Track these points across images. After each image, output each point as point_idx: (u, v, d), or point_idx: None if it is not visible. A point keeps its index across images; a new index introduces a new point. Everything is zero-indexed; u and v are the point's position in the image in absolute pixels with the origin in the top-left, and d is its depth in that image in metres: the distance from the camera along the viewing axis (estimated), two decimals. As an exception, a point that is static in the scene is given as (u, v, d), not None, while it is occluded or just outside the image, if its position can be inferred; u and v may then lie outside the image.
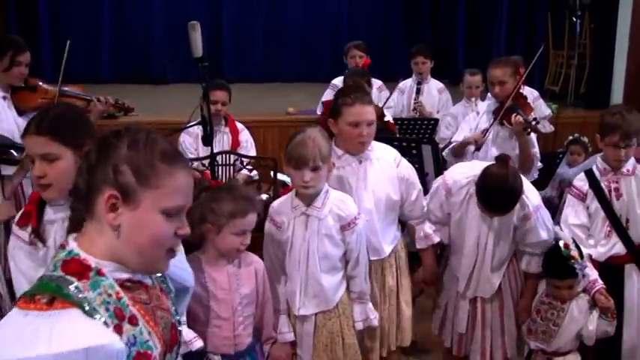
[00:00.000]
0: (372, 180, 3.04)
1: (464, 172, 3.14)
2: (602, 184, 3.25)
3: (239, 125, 4.68)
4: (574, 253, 3.07)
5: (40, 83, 4.11)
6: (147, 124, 5.20)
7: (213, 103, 4.16)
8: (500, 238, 3.10)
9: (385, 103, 4.89)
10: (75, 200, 1.41)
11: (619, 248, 3.24)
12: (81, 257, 1.32)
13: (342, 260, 2.88)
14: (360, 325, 2.95)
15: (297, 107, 6.20)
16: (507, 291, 3.22)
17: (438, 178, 3.32)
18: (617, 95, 6.54)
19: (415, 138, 4.25)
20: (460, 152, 4.33)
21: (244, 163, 4.18)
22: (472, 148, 4.32)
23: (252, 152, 4.60)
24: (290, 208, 2.82)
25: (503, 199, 2.92)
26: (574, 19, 7.07)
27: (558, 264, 3.07)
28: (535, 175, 4.20)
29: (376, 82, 5.44)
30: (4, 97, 3.90)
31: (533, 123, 3.93)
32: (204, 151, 4.17)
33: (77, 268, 1.30)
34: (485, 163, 3.06)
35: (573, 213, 3.30)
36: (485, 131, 4.17)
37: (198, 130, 4.33)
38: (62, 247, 1.36)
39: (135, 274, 1.38)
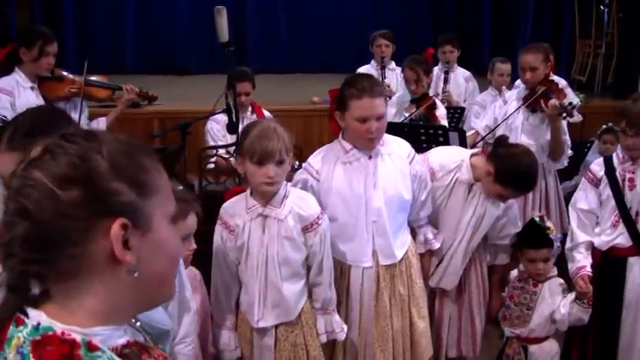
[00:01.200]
0: (382, 177, 2.81)
1: (451, 156, 3.07)
2: (617, 173, 3.15)
3: (266, 112, 4.68)
4: (549, 224, 3.15)
5: (66, 73, 4.16)
6: (171, 113, 5.26)
7: (231, 94, 4.17)
8: (479, 228, 3.05)
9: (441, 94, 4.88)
10: (26, 264, 0.93)
11: (623, 239, 3.14)
12: (57, 332, 0.91)
13: (303, 266, 2.65)
14: (323, 339, 2.72)
15: (322, 97, 6.18)
16: (467, 288, 3.19)
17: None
18: (646, 85, 6.43)
19: (442, 125, 4.20)
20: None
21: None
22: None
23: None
24: (245, 209, 2.56)
25: (536, 173, 2.96)
26: (601, 8, 6.97)
27: (534, 234, 3.10)
28: (565, 162, 4.16)
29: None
30: (32, 88, 3.95)
31: (569, 107, 3.88)
32: (231, 139, 4.17)
33: (59, 350, 0.90)
34: (468, 150, 3.11)
35: (584, 197, 3.24)
36: (490, 133, 4.20)
37: (224, 117, 4.34)
38: (17, 323, 0.94)
39: (126, 332, 1.01)
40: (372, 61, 5.54)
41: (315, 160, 2.88)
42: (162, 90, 5.79)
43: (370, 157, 2.80)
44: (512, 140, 4.16)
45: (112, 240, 0.92)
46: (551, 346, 3.20)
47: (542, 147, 4.13)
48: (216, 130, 4.47)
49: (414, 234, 3.10)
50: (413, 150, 2.94)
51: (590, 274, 3.10)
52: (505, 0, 8.58)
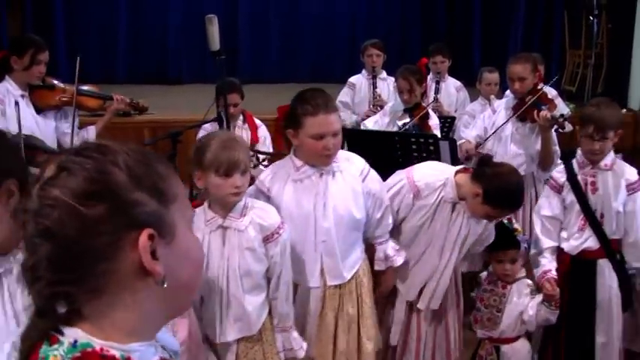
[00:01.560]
0: (333, 195, 2.73)
1: (435, 174, 3.02)
2: (579, 177, 3.22)
3: (257, 121, 4.69)
4: (517, 226, 3.23)
5: (57, 82, 4.16)
6: (163, 122, 5.26)
7: (222, 105, 4.18)
8: (463, 246, 3.03)
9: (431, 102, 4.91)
10: (54, 285, 0.91)
11: (592, 242, 3.22)
12: (96, 348, 0.91)
13: (264, 278, 2.59)
14: (282, 356, 2.66)
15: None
16: (443, 302, 3.17)
17: (399, 175, 3.07)
18: (635, 95, 6.51)
19: (433, 134, 4.22)
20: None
21: (260, 160, 4.17)
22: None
23: (270, 148, 4.60)
24: (203, 222, 2.49)
25: (523, 191, 2.98)
26: (591, 19, 7.02)
27: (502, 236, 3.14)
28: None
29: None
30: (23, 96, 3.95)
31: (561, 119, 3.92)
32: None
33: None
34: (451, 167, 3.06)
35: (547, 204, 3.31)
36: (482, 143, 4.25)
37: (215, 126, 4.35)
38: (51, 342, 0.92)
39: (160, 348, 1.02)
40: (363, 71, 5.55)
41: (266, 176, 2.82)
42: (154, 99, 5.80)
43: (321, 175, 2.73)
44: (501, 149, 4.25)
45: (141, 252, 0.91)
46: (523, 346, 3.25)
47: (532, 156, 4.16)
48: None
49: (372, 250, 3.02)
50: (367, 166, 2.86)
51: (556, 277, 3.16)
52: (495, 10, 8.64)
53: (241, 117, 4.59)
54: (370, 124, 4.72)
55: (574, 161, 3.28)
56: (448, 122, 5.04)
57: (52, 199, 0.89)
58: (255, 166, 4.23)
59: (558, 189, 3.28)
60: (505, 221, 3.19)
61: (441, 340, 3.21)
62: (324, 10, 8.68)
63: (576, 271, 3.26)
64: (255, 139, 4.54)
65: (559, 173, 3.30)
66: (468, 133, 4.59)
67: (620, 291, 3.27)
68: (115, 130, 5.08)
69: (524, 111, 4.09)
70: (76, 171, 0.91)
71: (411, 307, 3.17)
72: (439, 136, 4.40)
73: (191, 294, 1.05)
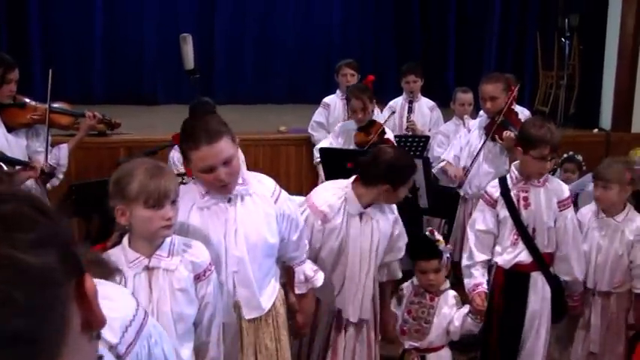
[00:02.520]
0: (243, 222, 2.49)
1: (334, 193, 3.01)
2: (512, 193, 3.31)
3: (231, 141, 4.68)
4: (438, 237, 3.30)
5: (28, 100, 4.12)
6: (138, 142, 5.24)
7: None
8: (378, 250, 3.06)
9: (386, 121, 4.93)
10: None
11: (524, 256, 3.32)
12: None
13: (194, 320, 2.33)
14: None
15: (288, 126, 6.21)
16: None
17: (301, 206, 2.94)
18: (606, 115, 6.59)
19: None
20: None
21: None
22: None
23: (243, 169, 4.59)
24: (125, 263, 2.18)
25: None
26: (563, 41, 7.14)
27: (425, 247, 3.25)
28: None
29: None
30: (-7, 115, 3.91)
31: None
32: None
33: None
34: (344, 180, 3.08)
35: (481, 218, 3.39)
36: (468, 169, 4.34)
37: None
38: None
39: None
40: (338, 91, 5.58)
41: None
42: (130, 119, 5.78)
43: (229, 201, 2.49)
44: (475, 169, 4.30)
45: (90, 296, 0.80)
46: (447, 353, 3.34)
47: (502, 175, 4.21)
48: (176, 159, 4.47)
49: (290, 274, 2.88)
50: (277, 187, 2.65)
51: (486, 290, 3.27)
52: (469, 31, 8.76)
53: (215, 137, 4.59)
54: (324, 146, 4.77)
55: (507, 177, 3.37)
56: (422, 141, 5.07)
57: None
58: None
59: (492, 203, 3.36)
60: (427, 233, 3.33)
61: (362, 351, 3.19)
62: (299, 30, 8.73)
63: (510, 283, 3.36)
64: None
65: (493, 188, 3.38)
66: (446, 154, 4.64)
67: (553, 303, 3.38)
68: (90, 150, 5.07)
69: (494, 131, 4.15)
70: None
71: (332, 324, 3.14)
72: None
73: None
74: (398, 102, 5.67)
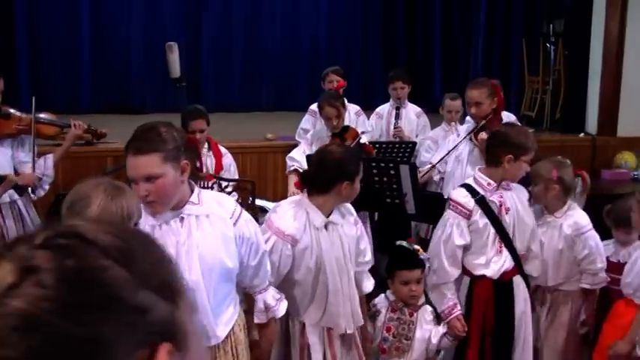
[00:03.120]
0: (198, 243, 2.35)
1: (294, 212, 2.87)
2: (490, 199, 3.25)
3: (222, 149, 4.68)
4: (417, 247, 3.24)
5: (13, 111, 4.13)
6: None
7: (191, 132, 4.20)
8: (351, 255, 2.97)
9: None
10: None
11: (509, 262, 3.29)
12: None
13: None
14: None
15: (275, 133, 6.22)
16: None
17: (265, 234, 2.78)
18: (592, 119, 6.64)
19: (393, 158, 4.28)
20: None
21: (223, 186, 4.17)
22: (436, 176, 4.46)
23: (235, 176, 4.60)
24: None
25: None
26: (548, 46, 7.20)
27: (405, 257, 3.17)
28: None
29: (354, 107, 5.51)
30: (-23, 126, 3.91)
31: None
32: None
33: None
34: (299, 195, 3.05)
35: (458, 232, 3.22)
36: (432, 166, 4.46)
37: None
38: None
39: None
40: (325, 98, 5.60)
41: None
42: (117, 129, 5.75)
43: (182, 219, 2.36)
44: (458, 171, 4.35)
45: None
46: None
47: None
48: None
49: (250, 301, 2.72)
50: (238, 207, 2.51)
51: (462, 312, 3.21)
52: (455, 38, 8.81)
53: (206, 144, 4.59)
54: (298, 155, 4.79)
55: (474, 185, 3.28)
56: (409, 147, 5.10)
57: (20, 318, 0.60)
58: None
59: (468, 214, 3.23)
60: (405, 243, 3.23)
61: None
62: (286, 38, 8.75)
63: (499, 293, 3.29)
64: (219, 167, 4.54)
65: (464, 197, 3.25)
66: (434, 157, 4.71)
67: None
68: (78, 159, 5.05)
69: (474, 135, 4.19)
70: (49, 273, 0.63)
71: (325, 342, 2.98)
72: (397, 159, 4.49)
73: None
74: (385, 108, 5.69)
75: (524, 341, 3.37)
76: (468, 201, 3.23)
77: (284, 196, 5.45)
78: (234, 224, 2.44)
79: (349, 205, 3.04)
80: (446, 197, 4.41)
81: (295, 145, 5.58)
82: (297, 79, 8.62)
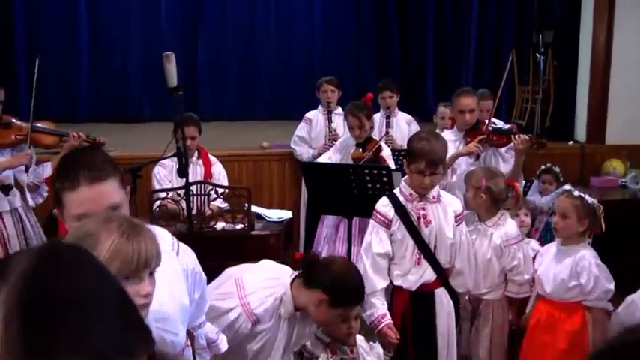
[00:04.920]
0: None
1: (270, 292, 2.65)
2: (410, 211, 3.18)
3: (212, 158, 4.77)
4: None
5: (14, 120, 4.17)
6: (123, 159, 5.34)
7: (181, 138, 4.26)
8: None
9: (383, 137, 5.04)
10: None
11: (429, 274, 3.20)
12: None
13: None
14: None
15: (270, 142, 6.32)
16: None
17: (232, 301, 2.61)
18: (580, 128, 6.75)
19: (385, 166, 4.36)
20: None
21: (219, 194, 4.26)
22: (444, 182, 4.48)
23: (225, 184, 4.68)
24: None
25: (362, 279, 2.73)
26: (538, 56, 7.32)
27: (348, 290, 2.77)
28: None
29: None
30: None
31: (539, 140, 4.17)
32: (178, 184, 4.25)
33: None
34: (285, 270, 2.76)
35: (377, 241, 3.18)
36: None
37: (172, 162, 4.43)
38: None
39: None
40: (319, 106, 5.70)
41: None
42: (115, 137, 5.85)
43: None
44: (455, 178, 4.36)
45: None
46: None
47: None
48: (163, 176, 4.55)
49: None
50: (175, 239, 2.15)
51: (391, 321, 3.10)
52: (447, 48, 8.93)
53: (196, 153, 4.67)
54: (324, 160, 4.84)
55: (398, 195, 3.23)
56: (402, 155, 5.19)
57: None
58: (214, 200, 4.33)
59: (387, 224, 3.18)
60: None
61: None
62: (281, 48, 8.86)
63: (416, 305, 3.21)
64: (208, 175, 4.63)
65: (385, 207, 3.20)
66: None
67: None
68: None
69: (489, 138, 4.25)
70: None
71: None
72: (393, 166, 4.55)
73: None
74: (376, 118, 5.79)
75: (449, 354, 3.31)
76: (388, 211, 3.18)
77: (280, 203, 5.58)
78: (177, 254, 2.10)
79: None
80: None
81: (290, 153, 5.69)
82: (292, 89, 8.73)
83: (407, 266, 3.19)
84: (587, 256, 3.32)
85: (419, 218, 3.17)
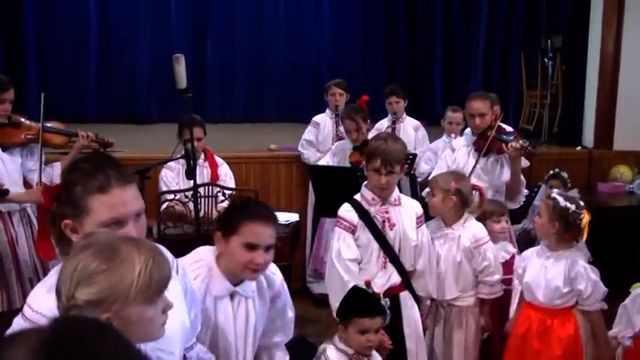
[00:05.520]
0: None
1: (193, 273, 2.34)
2: (374, 215, 3.21)
3: (218, 159, 4.78)
4: (377, 290, 2.95)
5: (23, 120, 4.19)
6: (131, 160, 5.36)
7: (188, 140, 4.26)
8: (256, 334, 2.52)
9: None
10: None
11: (395, 278, 3.25)
12: None
13: None
14: None
15: (278, 144, 6.33)
16: None
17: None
18: (588, 133, 6.74)
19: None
20: None
21: (226, 195, 4.27)
22: None
23: (232, 186, 4.69)
24: None
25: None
26: (546, 61, 7.32)
27: (367, 302, 2.82)
28: (522, 200, 4.37)
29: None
30: (-13, 134, 3.98)
31: (529, 147, 4.10)
32: (185, 186, 4.26)
33: None
34: (206, 250, 2.48)
35: (346, 247, 3.20)
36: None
37: (179, 165, 4.45)
38: None
39: None
40: (327, 110, 5.71)
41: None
42: (124, 138, 5.87)
43: None
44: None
45: None
46: None
47: (497, 188, 4.29)
48: (170, 178, 4.56)
49: None
50: (174, 258, 1.95)
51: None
52: (456, 52, 8.94)
53: (202, 154, 4.69)
54: (322, 164, 4.85)
55: (359, 199, 3.26)
56: (409, 159, 5.19)
57: None
58: (221, 202, 4.33)
59: (352, 229, 3.21)
60: (363, 285, 2.88)
61: None
62: (289, 51, 8.87)
63: None
64: (214, 177, 4.64)
65: (349, 213, 3.23)
66: (432, 175, 4.60)
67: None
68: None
69: (489, 144, 4.26)
70: None
71: None
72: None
73: None
74: (383, 123, 5.80)
75: (419, 358, 3.32)
76: (352, 216, 3.22)
77: (287, 205, 5.59)
78: (177, 274, 1.93)
79: (274, 278, 2.54)
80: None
81: (298, 156, 5.70)
82: (300, 92, 8.74)
83: (373, 270, 3.22)
84: (579, 261, 3.31)
85: (384, 221, 3.21)
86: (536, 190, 5.37)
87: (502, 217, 3.96)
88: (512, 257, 3.83)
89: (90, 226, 1.69)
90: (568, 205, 3.27)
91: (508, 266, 3.75)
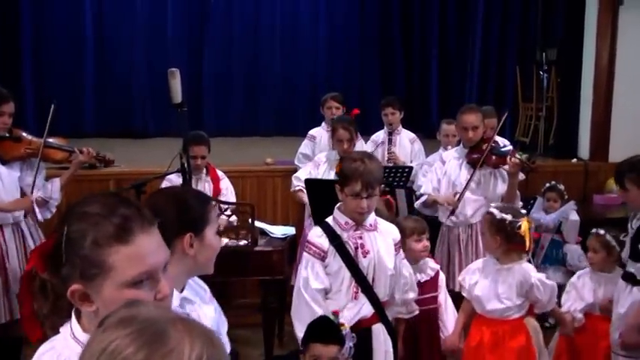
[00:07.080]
0: None
1: None
2: (346, 240, 2.95)
3: (219, 173, 4.80)
4: (343, 321, 2.84)
5: (24, 134, 4.18)
6: (128, 174, 5.36)
7: (192, 157, 4.23)
8: None
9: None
10: None
11: (367, 309, 2.98)
12: None
13: None
14: None
15: (274, 158, 6.34)
16: None
17: None
18: (584, 146, 6.77)
19: (389, 182, 4.38)
20: (434, 206, 4.45)
21: (223, 209, 4.27)
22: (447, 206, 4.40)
23: (233, 199, 4.70)
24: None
25: None
26: (541, 74, 7.36)
27: (324, 329, 2.76)
28: None
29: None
30: (-14, 147, 3.97)
31: (530, 162, 4.12)
32: (183, 199, 4.26)
33: None
34: None
35: (314, 276, 2.94)
36: (460, 195, 4.27)
37: (178, 178, 4.45)
38: None
39: None
40: (323, 123, 5.71)
41: None
42: (121, 153, 5.87)
43: None
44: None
45: None
46: None
47: (491, 200, 4.25)
48: None
49: None
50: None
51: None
52: (452, 65, 8.99)
53: (205, 169, 4.70)
54: (303, 175, 4.83)
55: (332, 223, 2.99)
56: (406, 171, 5.20)
57: None
58: (218, 216, 4.33)
59: (322, 256, 2.95)
60: (331, 315, 2.84)
61: None
62: (286, 65, 8.90)
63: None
64: (217, 191, 4.65)
65: (319, 238, 2.97)
66: (425, 189, 4.57)
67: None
68: (81, 182, 5.13)
69: (485, 158, 4.26)
70: None
71: None
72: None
73: None
74: (380, 135, 5.81)
75: None
76: (323, 241, 2.95)
77: (284, 219, 5.59)
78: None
79: (198, 279, 2.11)
80: (444, 222, 4.49)
81: (294, 170, 5.69)
82: (296, 105, 8.76)
83: (343, 301, 2.94)
84: (530, 271, 3.29)
85: (356, 248, 2.94)
86: (532, 202, 5.38)
87: (423, 236, 3.60)
88: (437, 274, 3.65)
89: (110, 289, 1.31)
90: (504, 216, 3.23)
91: (433, 283, 3.59)
